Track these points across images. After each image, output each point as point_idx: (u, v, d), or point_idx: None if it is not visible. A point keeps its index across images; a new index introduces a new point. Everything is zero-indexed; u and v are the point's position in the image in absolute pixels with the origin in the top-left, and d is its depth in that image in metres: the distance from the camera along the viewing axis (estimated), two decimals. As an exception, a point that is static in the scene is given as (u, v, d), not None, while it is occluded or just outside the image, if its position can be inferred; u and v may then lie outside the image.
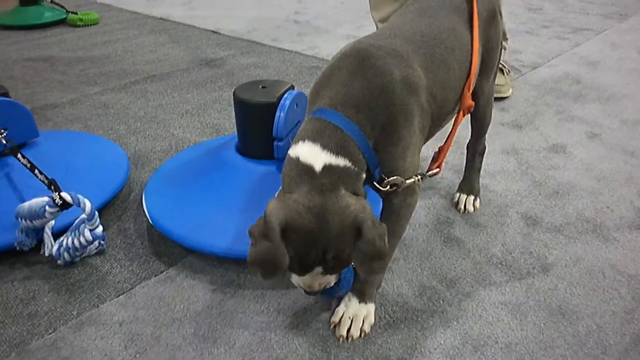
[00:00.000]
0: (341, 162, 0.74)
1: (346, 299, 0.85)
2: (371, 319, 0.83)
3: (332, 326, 0.83)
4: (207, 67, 2.02)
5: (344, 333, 0.81)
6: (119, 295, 0.90)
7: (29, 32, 2.49)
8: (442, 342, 0.81)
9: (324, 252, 0.71)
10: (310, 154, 0.75)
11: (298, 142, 0.77)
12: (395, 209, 0.85)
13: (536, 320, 0.85)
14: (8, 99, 1.07)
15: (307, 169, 0.74)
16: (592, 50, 2.26)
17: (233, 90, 1.08)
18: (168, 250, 1.01)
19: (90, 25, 2.62)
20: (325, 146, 0.74)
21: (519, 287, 0.92)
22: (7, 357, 0.78)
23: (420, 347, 0.80)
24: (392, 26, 0.91)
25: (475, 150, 1.17)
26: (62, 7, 2.67)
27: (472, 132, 1.15)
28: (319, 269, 0.73)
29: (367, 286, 0.85)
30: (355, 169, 0.75)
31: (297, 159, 0.75)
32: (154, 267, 0.97)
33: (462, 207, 1.14)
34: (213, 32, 2.53)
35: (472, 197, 1.16)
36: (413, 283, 0.93)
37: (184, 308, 0.88)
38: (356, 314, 0.83)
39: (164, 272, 0.96)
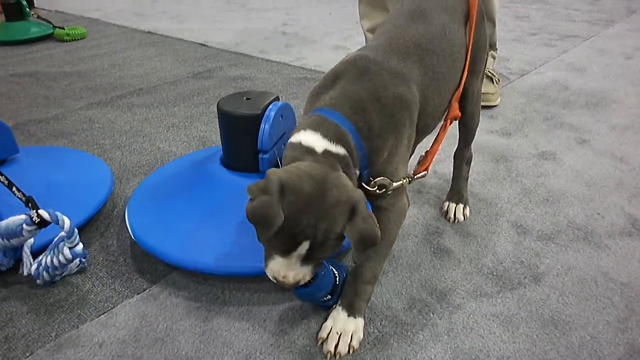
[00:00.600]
0: (340, 150, 0.80)
1: (334, 312, 0.83)
2: (360, 335, 0.81)
3: (319, 342, 0.81)
4: (195, 80, 2.01)
5: (332, 349, 0.79)
6: (100, 315, 0.88)
7: (15, 48, 2.47)
8: (433, 356, 0.79)
9: (316, 222, 0.72)
10: (312, 139, 0.80)
11: (299, 130, 0.82)
12: (383, 214, 0.87)
13: (528, 332, 0.83)
14: (-15, 115, 1.05)
15: (309, 150, 0.79)
16: (580, 56, 2.26)
17: (217, 102, 1.06)
18: (151, 267, 0.98)
19: (78, 39, 2.60)
20: (325, 135, 0.80)
21: (511, 298, 0.90)
22: (-19, 383, 0.75)
23: (410, 362, 0.78)
24: (388, 36, 0.92)
25: (463, 158, 1.15)
26: (49, 22, 2.66)
27: (460, 138, 1.14)
28: (305, 245, 0.73)
29: (357, 299, 0.83)
30: (351, 160, 0.80)
31: (299, 142, 0.81)
32: (137, 285, 0.94)
33: (452, 216, 1.13)
34: (201, 44, 2.52)
35: (461, 206, 1.14)
36: (402, 296, 0.91)
37: (166, 327, 0.85)
38: (344, 329, 0.80)
39: (147, 290, 0.93)
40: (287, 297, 0.90)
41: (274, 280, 0.78)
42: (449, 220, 1.13)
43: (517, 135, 1.52)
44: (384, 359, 0.79)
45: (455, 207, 1.14)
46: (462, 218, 1.13)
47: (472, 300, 0.90)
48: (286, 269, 0.76)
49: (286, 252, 0.74)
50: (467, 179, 1.19)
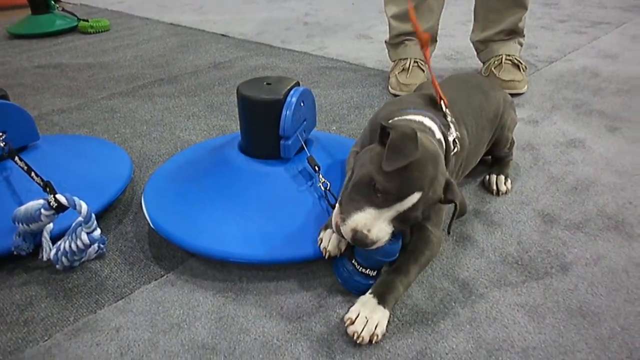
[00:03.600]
0: (441, 138, 0.91)
1: (364, 298, 0.81)
2: (384, 326, 0.78)
3: (346, 323, 0.78)
4: (216, 70, 2.00)
5: (359, 330, 0.76)
6: (118, 301, 0.87)
7: (40, 41, 2.51)
8: (454, 346, 0.76)
9: (433, 178, 0.78)
10: (431, 124, 0.92)
11: (405, 110, 0.96)
12: (426, 233, 0.90)
13: (555, 323, 0.80)
14: (6, 101, 1.05)
15: (421, 124, 0.91)
16: (611, 43, 2.18)
17: (237, 87, 1.04)
18: (169, 254, 0.98)
19: (101, 32, 2.63)
20: (432, 120, 0.93)
21: (536, 288, 0.87)
22: (0, 365, 0.76)
23: (430, 352, 0.76)
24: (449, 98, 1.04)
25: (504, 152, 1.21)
26: (74, 14, 2.69)
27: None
28: (416, 196, 0.76)
29: (389, 293, 0.81)
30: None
31: (410, 119, 0.92)
32: (154, 271, 0.94)
33: (495, 188, 1.12)
34: (222, 35, 2.51)
35: (502, 177, 1.14)
36: (423, 284, 0.89)
37: (182, 313, 0.84)
38: (372, 316, 0.78)
39: (164, 277, 0.92)
40: (305, 286, 0.89)
41: (350, 234, 0.77)
42: (491, 193, 1.12)
43: (545, 123, 1.47)
44: (404, 348, 0.76)
45: (497, 178, 1.14)
46: (504, 189, 1.12)
47: (496, 289, 0.87)
48: (372, 222, 0.76)
49: (389, 202, 0.76)
50: (511, 160, 1.21)
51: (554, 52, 2.08)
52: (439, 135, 0.91)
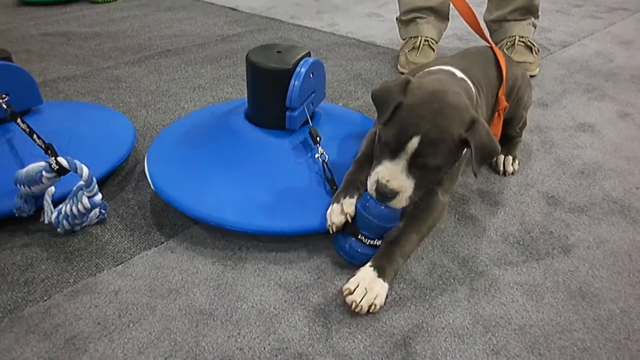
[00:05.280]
0: (472, 88, 0.92)
1: (364, 269, 0.81)
2: (383, 298, 0.78)
3: (345, 292, 0.78)
4: (223, 43, 1.98)
5: (357, 300, 0.76)
6: (117, 265, 0.88)
7: (49, 8, 2.49)
8: (451, 321, 0.76)
9: (433, 117, 0.76)
10: (454, 70, 0.93)
11: (436, 66, 0.96)
12: (434, 198, 0.90)
13: (553, 302, 0.79)
14: (10, 63, 1.04)
15: (449, 72, 0.92)
16: (627, 29, 2.14)
17: (246, 53, 1.02)
18: (169, 222, 0.98)
19: (110, 2, 2.60)
20: (462, 71, 0.95)
21: (537, 268, 0.86)
22: (-1, 323, 0.77)
23: (427, 325, 0.75)
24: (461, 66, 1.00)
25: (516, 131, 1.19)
26: (82, -17, 2.66)
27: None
28: (415, 141, 0.76)
29: (388, 265, 0.81)
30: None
31: (439, 68, 0.94)
32: (155, 238, 0.94)
33: (502, 168, 1.12)
34: (231, 9, 2.48)
35: (510, 158, 1.13)
36: (423, 261, 0.88)
37: (181, 279, 0.84)
38: (371, 287, 0.78)
39: (164, 243, 0.92)
40: (304, 258, 0.89)
41: (374, 187, 0.79)
42: (498, 173, 1.12)
43: (555, 106, 1.45)
44: (401, 321, 0.76)
45: (505, 159, 1.13)
46: (510, 170, 1.11)
47: (496, 268, 0.86)
48: (390, 174, 0.78)
49: (395, 150, 0.78)
50: (520, 141, 1.19)
51: (568, 37, 2.04)
52: (467, 81, 0.92)
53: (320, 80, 1.05)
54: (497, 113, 1.04)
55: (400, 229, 0.86)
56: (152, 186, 0.97)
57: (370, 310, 0.76)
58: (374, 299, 0.77)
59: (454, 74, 0.93)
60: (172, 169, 1.00)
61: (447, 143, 0.77)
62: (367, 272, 0.80)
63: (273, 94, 0.99)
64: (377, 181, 0.79)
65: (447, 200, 0.93)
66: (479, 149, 0.77)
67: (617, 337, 0.73)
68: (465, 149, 0.82)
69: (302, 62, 0.99)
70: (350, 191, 0.87)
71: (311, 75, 1.00)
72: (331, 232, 0.85)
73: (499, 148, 0.80)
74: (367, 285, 0.78)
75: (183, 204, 0.92)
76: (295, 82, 0.97)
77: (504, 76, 1.06)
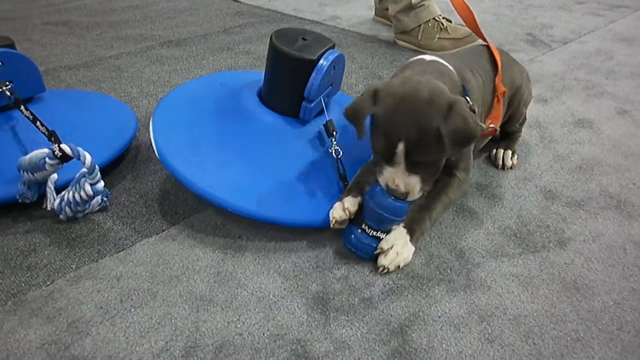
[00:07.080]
0: (452, 73, 0.92)
1: (400, 230, 0.85)
2: (408, 260, 0.85)
3: (377, 251, 0.84)
4: (225, 35, 1.99)
5: (386, 263, 0.82)
6: (119, 252, 0.89)
7: (51, -2, 2.49)
8: (447, 310, 0.77)
9: (409, 120, 0.77)
10: (434, 57, 0.95)
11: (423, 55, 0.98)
12: (454, 178, 0.94)
13: (548, 294, 0.81)
14: (13, 50, 1.05)
15: (419, 60, 0.94)
16: (628, 27, 2.14)
17: (271, 35, 1.00)
18: (171, 210, 0.99)
19: (112, -8, 2.60)
20: (442, 57, 0.96)
21: (533, 260, 0.88)
22: (2, 306, 0.78)
23: (423, 314, 0.77)
24: (459, 60, 1.02)
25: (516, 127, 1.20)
26: (85, -27, 2.66)
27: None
28: (401, 147, 0.77)
29: (418, 229, 0.86)
30: (455, 90, 0.88)
31: (412, 60, 0.97)
32: (156, 226, 0.95)
33: (500, 162, 1.13)
34: (234, 0, 2.48)
35: (509, 152, 1.14)
36: (420, 251, 0.89)
37: (182, 266, 0.86)
38: (402, 251, 0.84)
39: (166, 231, 0.94)
40: (304, 247, 0.90)
41: (386, 189, 0.83)
42: (497, 167, 1.13)
43: (554, 102, 1.46)
44: (397, 309, 0.78)
45: (504, 153, 1.14)
46: (509, 164, 1.12)
47: (492, 259, 0.88)
48: (393, 176, 0.82)
49: (388, 158, 0.80)
50: (519, 136, 1.20)
51: (569, 33, 2.05)
52: (440, 61, 0.93)
53: (339, 74, 1.05)
54: (495, 98, 1.05)
55: (425, 200, 0.91)
56: (156, 152, 0.94)
57: (393, 269, 0.84)
58: (402, 261, 0.83)
59: (423, 60, 0.95)
60: (178, 140, 0.95)
61: (431, 138, 0.77)
62: (400, 234, 0.85)
63: (292, 82, 0.97)
64: (387, 186, 0.83)
65: (467, 177, 0.96)
66: (452, 135, 0.76)
67: (610, 328, 0.75)
68: None
69: (326, 54, 0.97)
70: (355, 192, 0.90)
71: (333, 69, 0.98)
72: (331, 226, 0.87)
73: (477, 130, 0.78)
74: (399, 250, 0.83)
75: (184, 178, 0.89)
76: (317, 75, 0.95)
77: (499, 64, 1.07)
